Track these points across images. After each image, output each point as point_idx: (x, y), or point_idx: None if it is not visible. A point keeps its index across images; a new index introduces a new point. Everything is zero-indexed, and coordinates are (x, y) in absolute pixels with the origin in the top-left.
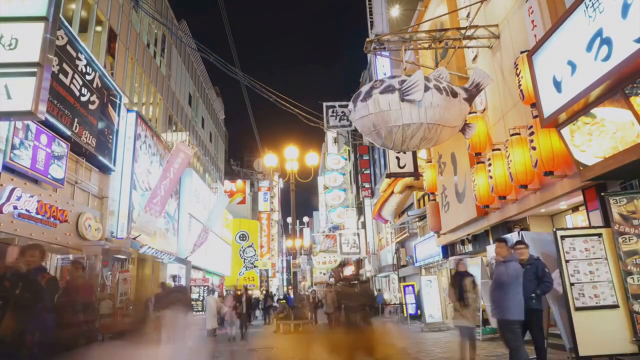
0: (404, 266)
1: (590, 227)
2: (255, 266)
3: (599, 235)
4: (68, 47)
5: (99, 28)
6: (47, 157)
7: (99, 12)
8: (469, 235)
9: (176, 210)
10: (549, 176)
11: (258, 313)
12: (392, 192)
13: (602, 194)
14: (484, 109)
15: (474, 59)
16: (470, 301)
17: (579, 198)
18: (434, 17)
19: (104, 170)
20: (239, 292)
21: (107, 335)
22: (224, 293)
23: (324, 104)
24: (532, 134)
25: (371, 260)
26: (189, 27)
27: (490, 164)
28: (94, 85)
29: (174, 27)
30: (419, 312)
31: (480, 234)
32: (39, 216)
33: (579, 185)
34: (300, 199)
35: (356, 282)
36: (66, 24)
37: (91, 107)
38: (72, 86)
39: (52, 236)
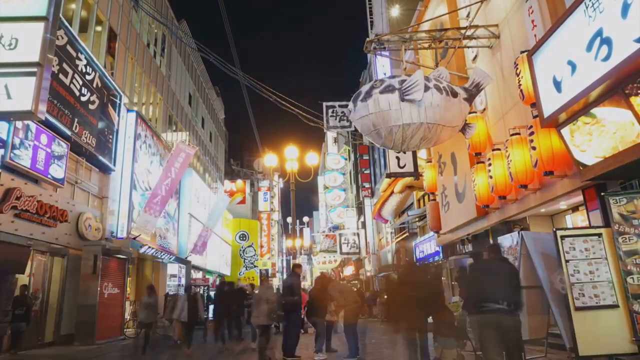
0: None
1: (590, 227)
2: (255, 266)
3: (599, 235)
4: (68, 47)
5: (99, 28)
6: (47, 157)
7: (99, 12)
8: (469, 235)
9: (176, 210)
10: (549, 176)
11: None
12: (392, 192)
13: (602, 193)
14: (484, 109)
15: (474, 59)
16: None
17: (579, 198)
18: (434, 17)
19: (104, 170)
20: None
21: None
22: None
23: (324, 103)
24: (532, 133)
25: (371, 260)
26: (189, 27)
27: (490, 164)
28: (94, 85)
29: (174, 27)
30: None
31: (480, 234)
32: (39, 216)
33: (579, 185)
34: (300, 199)
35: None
36: (66, 23)
37: (91, 107)
38: (72, 86)
39: (52, 236)
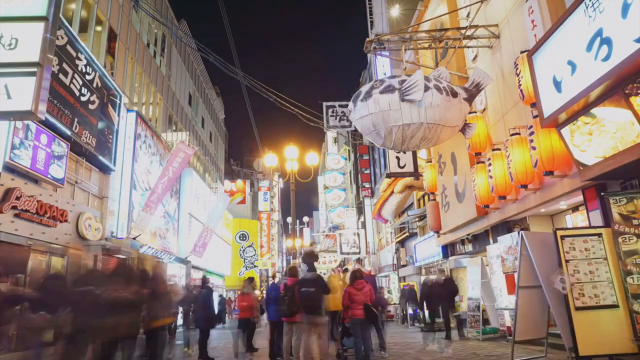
0: (404, 266)
1: (590, 227)
2: (255, 266)
3: (599, 235)
4: (68, 47)
5: (99, 28)
6: (47, 156)
7: (99, 12)
8: (469, 235)
9: (176, 210)
10: (549, 176)
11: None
12: (392, 192)
13: (602, 193)
14: (484, 109)
15: (474, 58)
16: None
17: (579, 198)
18: (434, 17)
19: (104, 170)
20: None
21: None
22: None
23: (324, 103)
24: (532, 133)
25: (371, 260)
26: (189, 27)
27: (490, 164)
28: (94, 85)
29: (174, 27)
30: (418, 311)
31: (480, 233)
32: (39, 216)
33: (579, 185)
34: (300, 199)
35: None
36: (66, 23)
37: (91, 107)
38: (72, 86)
39: (52, 236)
